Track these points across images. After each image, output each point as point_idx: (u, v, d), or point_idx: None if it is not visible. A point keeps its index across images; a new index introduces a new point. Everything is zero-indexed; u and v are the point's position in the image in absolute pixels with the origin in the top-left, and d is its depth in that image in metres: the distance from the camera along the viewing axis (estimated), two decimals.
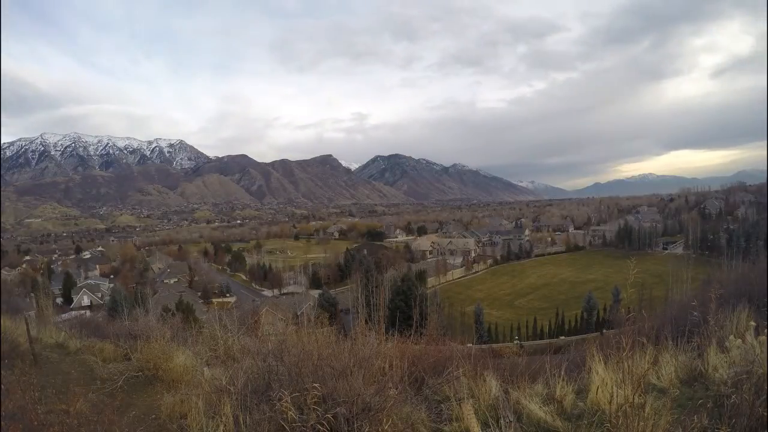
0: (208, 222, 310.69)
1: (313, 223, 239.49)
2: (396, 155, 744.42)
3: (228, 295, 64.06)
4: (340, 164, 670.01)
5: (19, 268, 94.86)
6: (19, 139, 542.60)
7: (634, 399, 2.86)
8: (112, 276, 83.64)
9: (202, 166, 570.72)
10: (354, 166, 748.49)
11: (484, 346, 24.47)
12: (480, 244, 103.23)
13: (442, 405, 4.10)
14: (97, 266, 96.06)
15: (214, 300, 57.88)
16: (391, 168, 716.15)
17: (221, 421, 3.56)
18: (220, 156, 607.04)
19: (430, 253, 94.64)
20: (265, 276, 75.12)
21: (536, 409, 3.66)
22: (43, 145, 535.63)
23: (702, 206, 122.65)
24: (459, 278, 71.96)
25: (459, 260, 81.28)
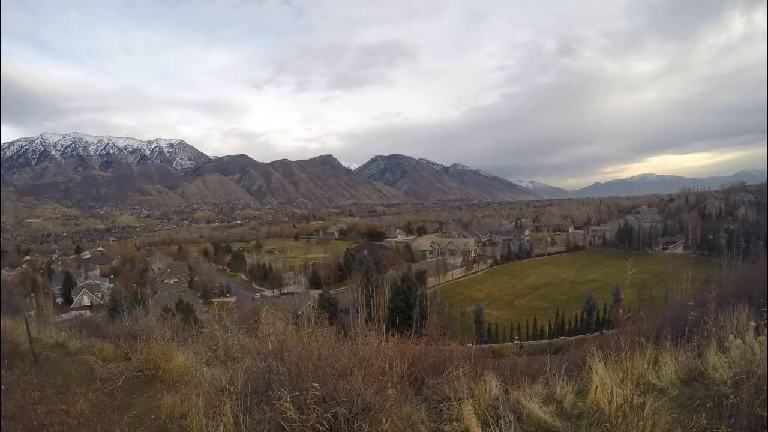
0: (208, 222, 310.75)
1: (313, 223, 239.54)
2: (396, 155, 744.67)
3: (228, 295, 64.09)
4: (340, 164, 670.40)
5: (19, 268, 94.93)
6: (19, 139, 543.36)
7: (633, 399, 2.86)
8: (112, 276, 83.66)
9: (202, 166, 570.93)
10: (354, 166, 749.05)
11: (484, 346, 24.47)
12: (480, 244, 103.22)
13: (442, 405, 4.10)
14: (97, 266, 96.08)
15: (214, 300, 57.90)
16: (391, 168, 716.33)
17: (221, 421, 3.56)
18: (220, 156, 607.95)
19: (430, 253, 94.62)
20: (265, 276, 75.15)
21: (536, 409, 3.66)
22: (43, 145, 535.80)
23: (702, 206, 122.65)
24: (459, 278, 71.93)
25: (459, 260, 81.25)
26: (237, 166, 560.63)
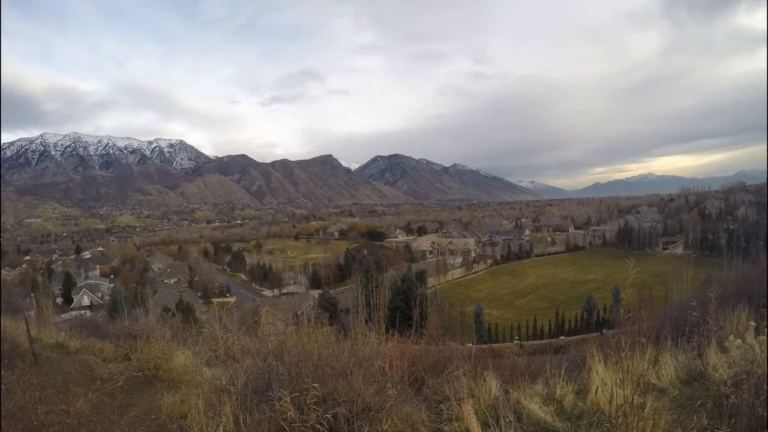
0: (208, 222, 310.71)
1: (313, 223, 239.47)
2: (396, 155, 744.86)
3: (228, 295, 64.09)
4: (340, 164, 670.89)
5: (19, 268, 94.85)
6: (19, 139, 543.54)
7: (633, 399, 2.86)
8: (112, 276, 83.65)
9: (202, 166, 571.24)
10: (354, 166, 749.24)
11: (484, 346, 24.46)
12: (480, 244, 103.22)
13: (442, 405, 4.10)
14: (97, 266, 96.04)
15: (214, 300, 57.92)
16: (391, 168, 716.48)
17: (221, 421, 3.56)
18: (220, 156, 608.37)
19: (430, 253, 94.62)
20: (265, 276, 75.12)
21: (536, 409, 3.66)
22: (43, 145, 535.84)
23: (702, 206, 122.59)
24: (459, 278, 71.93)
25: (459, 260, 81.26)
26: (237, 166, 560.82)
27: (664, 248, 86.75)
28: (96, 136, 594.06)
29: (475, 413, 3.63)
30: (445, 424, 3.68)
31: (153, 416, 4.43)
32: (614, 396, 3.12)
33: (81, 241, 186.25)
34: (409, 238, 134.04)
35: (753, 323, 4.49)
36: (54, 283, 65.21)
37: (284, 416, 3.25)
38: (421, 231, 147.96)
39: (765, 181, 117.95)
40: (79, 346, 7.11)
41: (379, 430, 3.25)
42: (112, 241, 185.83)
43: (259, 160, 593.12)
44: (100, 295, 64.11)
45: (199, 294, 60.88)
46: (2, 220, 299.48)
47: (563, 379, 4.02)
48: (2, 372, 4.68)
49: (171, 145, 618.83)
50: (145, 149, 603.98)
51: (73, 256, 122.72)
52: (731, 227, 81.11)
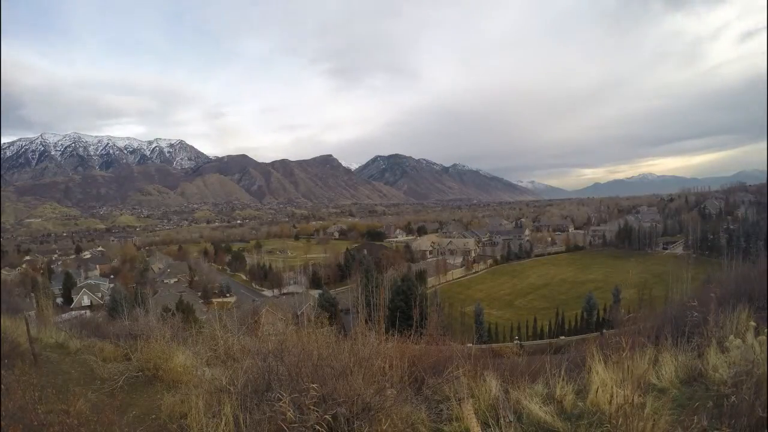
0: (208, 222, 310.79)
1: (313, 223, 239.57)
2: (396, 155, 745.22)
3: (228, 295, 64.08)
4: (341, 164, 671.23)
5: (19, 268, 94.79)
6: (19, 139, 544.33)
7: (633, 399, 2.86)
8: (112, 276, 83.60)
9: (202, 166, 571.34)
10: (354, 166, 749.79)
11: (484, 346, 24.47)
12: (480, 244, 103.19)
13: (442, 405, 4.10)
14: (97, 266, 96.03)
15: (214, 300, 57.89)
16: (391, 168, 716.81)
17: (221, 421, 3.56)
18: (220, 156, 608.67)
19: (430, 253, 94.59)
20: (265, 276, 75.09)
21: (536, 409, 3.66)
22: (43, 145, 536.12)
23: (702, 206, 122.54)
24: (459, 278, 71.89)
25: (459, 260, 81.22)
26: (237, 166, 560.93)
27: (664, 248, 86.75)
28: (96, 136, 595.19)
29: (475, 413, 3.63)
30: (445, 424, 3.68)
31: (153, 416, 4.43)
32: (614, 396, 3.12)
33: (81, 241, 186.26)
34: (409, 238, 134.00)
35: (753, 323, 4.49)
36: (54, 283, 65.23)
37: (284, 416, 3.25)
38: (421, 231, 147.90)
39: (765, 181, 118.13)
40: (79, 346, 7.11)
41: (379, 430, 3.25)
42: (112, 241, 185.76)
43: (259, 160, 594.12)
44: (100, 295, 64.07)
45: (199, 294, 60.87)
46: (2, 220, 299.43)
47: (563, 379, 4.02)
48: (2, 372, 4.68)
49: (171, 145, 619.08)
50: (145, 149, 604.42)
51: (73, 256, 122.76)
52: (731, 227, 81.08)
